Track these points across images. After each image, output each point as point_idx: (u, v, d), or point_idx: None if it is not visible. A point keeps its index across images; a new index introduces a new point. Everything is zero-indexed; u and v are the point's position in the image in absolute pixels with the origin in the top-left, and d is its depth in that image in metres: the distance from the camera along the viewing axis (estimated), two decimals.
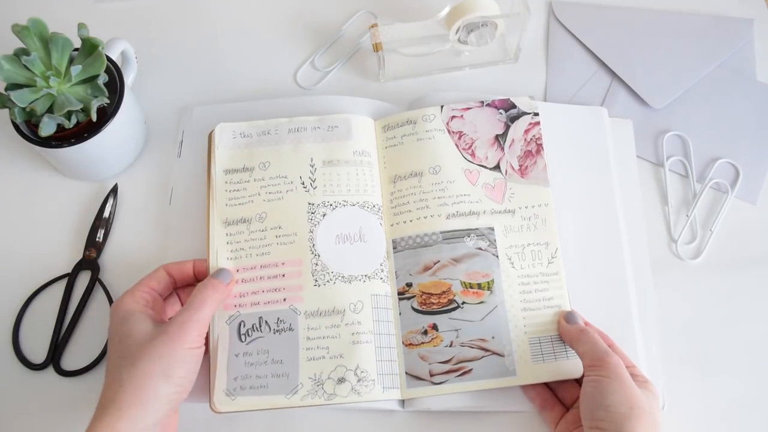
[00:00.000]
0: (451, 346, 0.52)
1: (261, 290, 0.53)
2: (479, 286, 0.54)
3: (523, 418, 0.53)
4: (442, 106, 0.60)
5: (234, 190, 0.56)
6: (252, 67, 0.67)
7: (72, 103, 0.53)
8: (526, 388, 0.52)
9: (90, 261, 0.58)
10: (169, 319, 0.49)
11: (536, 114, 0.59)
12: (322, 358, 0.51)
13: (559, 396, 0.52)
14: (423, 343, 0.53)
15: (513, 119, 0.59)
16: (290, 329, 0.52)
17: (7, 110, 0.53)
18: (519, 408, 0.52)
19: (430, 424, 0.53)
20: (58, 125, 0.54)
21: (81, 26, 0.55)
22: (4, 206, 0.61)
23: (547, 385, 0.52)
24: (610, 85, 0.66)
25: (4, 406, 0.54)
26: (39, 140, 0.54)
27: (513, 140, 0.59)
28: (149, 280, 0.50)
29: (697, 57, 0.66)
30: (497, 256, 0.55)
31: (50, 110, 0.53)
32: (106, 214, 0.60)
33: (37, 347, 0.56)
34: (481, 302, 0.53)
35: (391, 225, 0.57)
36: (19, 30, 0.52)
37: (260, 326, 0.52)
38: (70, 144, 0.55)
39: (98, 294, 0.57)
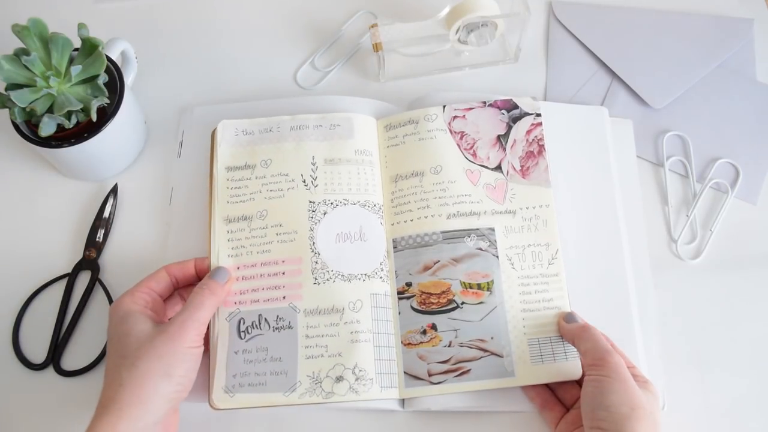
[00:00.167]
0: (450, 346, 0.52)
1: (261, 288, 0.53)
2: (479, 286, 0.54)
3: (523, 418, 0.53)
4: (444, 106, 0.60)
5: (236, 188, 0.56)
6: (252, 67, 0.67)
7: (72, 103, 0.53)
8: (526, 388, 0.52)
9: (90, 261, 0.58)
10: (169, 319, 0.49)
11: (538, 115, 0.59)
12: (321, 356, 0.51)
13: (559, 396, 0.52)
14: (422, 342, 0.53)
15: (515, 120, 0.59)
16: (289, 327, 0.52)
17: (7, 110, 0.53)
18: (519, 408, 0.52)
19: (429, 423, 0.53)
20: (58, 125, 0.54)
21: (81, 26, 0.55)
22: (4, 206, 0.61)
23: (547, 385, 0.52)
24: (610, 85, 0.66)
25: (4, 406, 0.54)
26: (39, 140, 0.54)
27: (515, 141, 0.59)
28: (149, 280, 0.51)
29: (697, 57, 0.67)
30: (497, 257, 0.55)
31: (50, 110, 0.53)
32: (106, 214, 0.60)
33: (37, 347, 0.56)
34: (481, 302, 0.53)
35: (392, 224, 0.57)
36: (19, 30, 0.52)
37: (260, 324, 0.52)
38: (70, 144, 0.55)
39: (98, 294, 0.57)
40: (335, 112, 0.59)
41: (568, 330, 0.51)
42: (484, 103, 0.60)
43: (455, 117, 0.59)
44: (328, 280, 0.53)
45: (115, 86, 0.57)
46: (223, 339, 0.52)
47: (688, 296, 0.57)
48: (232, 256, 0.54)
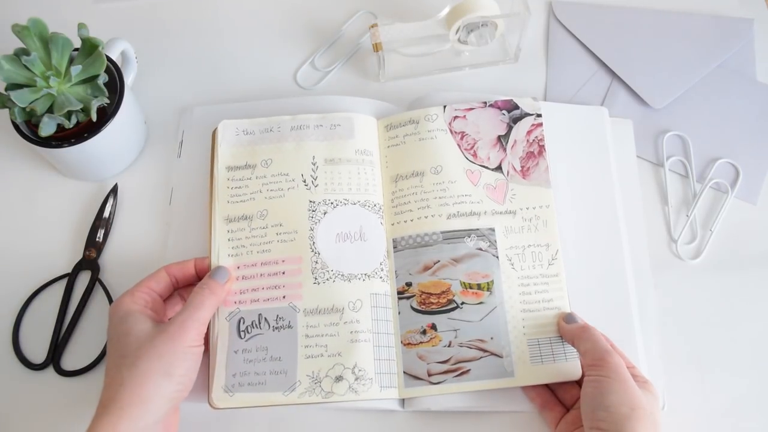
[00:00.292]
0: (449, 346, 0.52)
1: (261, 287, 0.53)
2: (479, 286, 0.54)
3: (523, 418, 0.53)
4: (444, 106, 0.60)
5: (236, 187, 0.56)
6: (252, 67, 0.67)
7: (72, 103, 0.53)
8: (526, 388, 0.52)
9: (90, 261, 0.58)
10: (169, 319, 0.49)
11: (539, 115, 0.59)
12: (321, 356, 0.51)
13: (559, 396, 0.52)
14: (421, 342, 0.53)
15: (516, 120, 0.59)
16: (289, 327, 0.52)
17: (7, 110, 0.53)
18: (519, 408, 0.52)
19: (429, 423, 0.53)
20: (58, 125, 0.54)
21: (81, 26, 0.55)
22: (4, 206, 0.61)
23: (547, 385, 0.52)
24: (610, 85, 0.66)
25: (4, 406, 0.54)
26: (39, 140, 0.54)
27: (515, 141, 0.59)
28: (149, 280, 0.51)
29: (697, 57, 0.66)
30: (497, 257, 0.55)
31: (50, 110, 0.53)
32: (106, 214, 0.60)
33: (37, 347, 0.56)
34: (481, 303, 0.53)
35: (392, 224, 0.57)
36: (19, 30, 0.52)
37: (260, 323, 0.52)
38: (70, 144, 0.55)
39: (98, 294, 0.57)
40: (336, 112, 0.59)
41: (568, 330, 0.51)
42: (485, 103, 0.60)
43: (456, 117, 0.59)
44: (328, 279, 0.53)
45: (115, 86, 0.57)
46: (222, 338, 0.52)
47: (688, 296, 0.57)
48: (232, 255, 0.54)
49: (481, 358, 0.52)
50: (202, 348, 0.48)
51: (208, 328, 0.51)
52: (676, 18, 0.69)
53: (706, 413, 0.53)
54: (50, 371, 0.55)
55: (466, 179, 0.57)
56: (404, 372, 0.52)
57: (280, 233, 0.55)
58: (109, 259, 0.59)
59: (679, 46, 0.67)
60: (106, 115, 0.56)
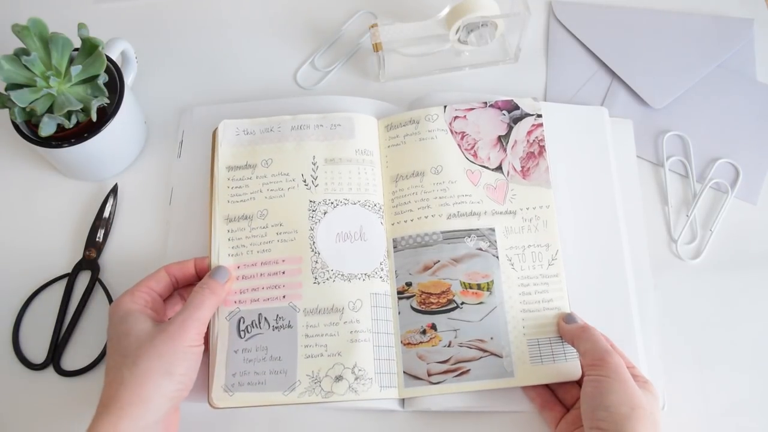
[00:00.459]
0: (449, 346, 0.52)
1: (261, 287, 0.53)
2: (479, 286, 0.54)
3: (523, 418, 0.53)
4: (445, 107, 0.60)
5: (236, 187, 0.57)
6: (252, 67, 0.67)
7: (72, 103, 0.53)
8: (526, 388, 0.52)
9: (90, 261, 0.58)
10: (169, 319, 0.49)
11: (539, 115, 0.59)
12: (321, 355, 0.51)
13: (559, 396, 0.52)
14: (421, 342, 0.53)
15: (516, 120, 0.59)
16: (289, 326, 0.52)
17: (7, 110, 0.53)
18: (519, 408, 0.52)
19: (430, 423, 0.53)
20: (58, 125, 0.54)
21: (81, 26, 0.55)
22: (4, 206, 0.61)
23: (547, 385, 0.52)
24: (610, 85, 0.66)
25: (4, 406, 0.54)
26: (39, 140, 0.54)
27: (516, 141, 0.59)
28: (149, 280, 0.51)
29: (697, 57, 0.67)
30: (497, 257, 0.55)
31: (50, 110, 0.53)
32: (106, 214, 0.60)
33: (37, 347, 0.56)
34: (481, 303, 0.53)
35: (392, 224, 0.57)
36: (19, 30, 0.52)
37: (259, 323, 0.52)
38: (70, 144, 0.55)
39: (98, 294, 0.57)
40: (336, 112, 0.59)
41: (568, 330, 0.51)
42: (485, 103, 0.60)
43: (456, 117, 0.59)
44: (328, 279, 0.53)
45: (115, 86, 0.57)
46: (222, 338, 0.52)
47: (688, 296, 0.57)
48: (232, 255, 0.54)
49: (481, 358, 0.52)
50: (202, 347, 0.48)
51: (208, 328, 0.51)
52: (676, 18, 0.69)
53: (706, 413, 0.53)
54: (50, 371, 0.55)
55: (466, 179, 0.57)
56: (404, 372, 0.52)
57: (280, 233, 0.55)
58: (109, 259, 0.59)
59: (679, 46, 0.67)
60: (106, 115, 0.56)
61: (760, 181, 0.62)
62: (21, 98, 0.52)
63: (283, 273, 0.54)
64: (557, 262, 0.55)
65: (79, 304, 0.57)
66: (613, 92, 0.65)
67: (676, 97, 0.65)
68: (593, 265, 0.56)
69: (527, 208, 0.56)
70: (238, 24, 0.70)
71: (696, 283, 0.58)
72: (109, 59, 0.57)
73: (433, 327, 0.53)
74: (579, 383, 0.51)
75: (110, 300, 0.57)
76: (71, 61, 0.55)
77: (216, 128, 0.59)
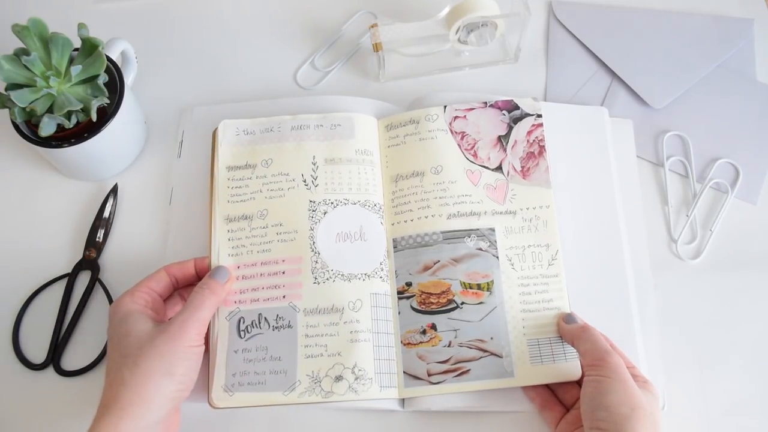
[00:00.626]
0: (449, 346, 0.52)
1: (261, 287, 0.53)
2: (479, 286, 0.54)
3: (523, 418, 0.53)
4: (445, 106, 0.60)
5: (236, 187, 0.57)
6: (252, 67, 0.67)
7: (72, 103, 0.53)
8: (526, 388, 0.52)
9: (90, 261, 0.58)
10: (169, 319, 0.49)
11: (539, 115, 0.59)
12: (321, 355, 0.51)
13: (559, 396, 0.52)
14: (421, 342, 0.53)
15: (516, 120, 0.59)
16: (289, 326, 0.52)
17: (7, 110, 0.53)
18: (519, 408, 0.52)
19: (430, 423, 0.53)
20: (58, 125, 0.54)
21: (81, 26, 0.55)
22: (4, 206, 0.61)
23: (547, 385, 0.52)
24: (610, 85, 0.66)
25: (4, 406, 0.54)
26: (39, 140, 0.54)
27: (516, 141, 0.59)
28: (149, 280, 0.51)
29: (697, 57, 0.67)
30: (497, 257, 0.55)
31: (50, 110, 0.53)
32: (106, 214, 0.60)
33: (37, 347, 0.56)
34: (481, 303, 0.53)
35: (392, 224, 0.57)
36: (19, 30, 0.52)
37: (259, 323, 0.52)
38: (70, 144, 0.55)
39: (98, 294, 0.57)
40: (336, 112, 0.59)
41: (568, 331, 0.51)
42: (485, 103, 0.60)
43: (456, 117, 0.59)
44: (327, 279, 0.53)
45: (115, 86, 0.57)
46: (222, 338, 0.52)
47: (688, 296, 0.57)
48: (232, 255, 0.54)
49: (481, 358, 0.52)
50: (203, 348, 0.48)
51: (208, 328, 0.51)
52: (676, 18, 0.69)
53: (706, 413, 0.53)
54: (50, 371, 0.55)
55: (466, 179, 0.57)
56: (404, 372, 0.52)
57: (280, 233, 0.55)
58: (109, 259, 0.59)
59: (679, 46, 0.67)
60: (106, 115, 0.56)
61: (760, 181, 0.62)
62: (21, 98, 0.52)
63: (283, 273, 0.54)
64: (557, 262, 0.55)
65: (79, 304, 0.57)
66: (613, 92, 0.65)
67: (676, 97, 0.65)
68: (593, 265, 0.56)
69: (527, 208, 0.56)
70: (238, 24, 0.70)
71: (696, 283, 0.58)
72: (109, 59, 0.57)
73: (433, 327, 0.53)
74: (579, 383, 0.51)
75: (110, 300, 0.57)
76: (71, 61, 0.55)
77: (216, 128, 0.59)
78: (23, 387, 0.54)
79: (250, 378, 0.50)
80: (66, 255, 0.59)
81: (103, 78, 0.55)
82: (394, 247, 0.56)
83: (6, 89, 0.53)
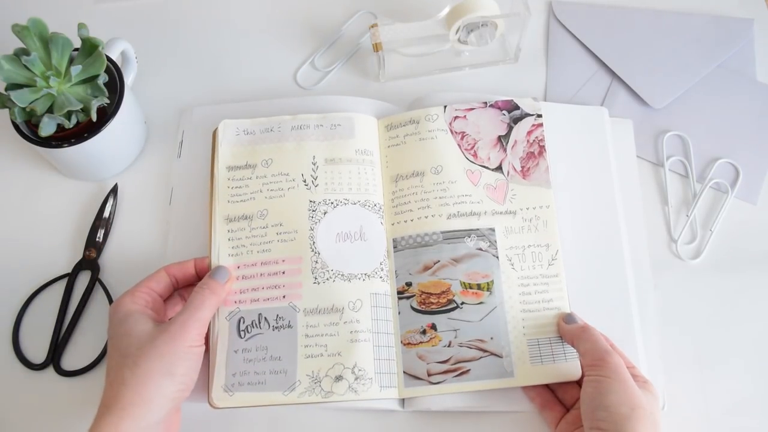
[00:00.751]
0: (449, 346, 0.52)
1: (261, 287, 0.53)
2: (479, 286, 0.54)
3: (523, 418, 0.53)
4: (445, 107, 0.60)
5: (236, 187, 0.57)
6: (252, 67, 0.67)
7: (72, 103, 0.53)
8: (526, 388, 0.52)
9: (90, 261, 0.58)
10: (170, 319, 0.49)
11: (539, 115, 0.59)
12: (321, 355, 0.51)
13: (559, 396, 0.52)
14: (421, 342, 0.53)
15: (516, 120, 0.59)
16: (289, 326, 0.52)
17: (7, 110, 0.53)
18: (519, 408, 0.52)
19: (430, 423, 0.53)
20: (58, 125, 0.54)
21: (81, 26, 0.55)
22: (4, 206, 0.61)
23: (547, 385, 0.52)
24: (610, 85, 0.66)
25: (4, 406, 0.54)
26: (39, 140, 0.54)
27: (516, 141, 0.59)
28: (149, 281, 0.51)
29: (697, 57, 0.67)
30: (497, 257, 0.55)
31: (50, 110, 0.53)
32: (106, 214, 0.60)
33: (37, 347, 0.56)
34: (481, 303, 0.53)
35: (392, 224, 0.57)
36: (19, 30, 0.52)
37: (259, 323, 0.52)
38: (70, 144, 0.55)
39: (98, 294, 0.57)
40: (336, 112, 0.59)
41: (568, 331, 0.51)
42: (485, 103, 0.60)
43: (456, 117, 0.59)
44: (327, 279, 0.53)
45: (115, 86, 0.57)
46: (222, 338, 0.52)
47: (688, 296, 0.57)
48: (232, 255, 0.54)
49: (481, 358, 0.52)
50: (203, 348, 0.48)
51: (208, 328, 0.51)
52: (676, 18, 0.69)
53: (706, 413, 0.53)
54: (50, 371, 0.55)
55: (466, 179, 0.57)
56: (404, 372, 0.52)
57: (280, 233, 0.55)
58: (109, 259, 0.59)
59: (679, 46, 0.67)
60: (106, 115, 0.56)
61: (760, 181, 0.62)
62: (21, 98, 0.52)
63: (283, 273, 0.54)
64: (557, 262, 0.55)
65: (79, 304, 0.57)
66: (613, 92, 0.65)
67: (676, 97, 0.65)
68: (593, 265, 0.56)
69: (527, 208, 0.56)
70: (238, 24, 0.70)
71: (696, 283, 0.58)
72: (109, 59, 0.57)
73: (433, 327, 0.53)
74: (579, 383, 0.51)
75: (110, 300, 0.57)
76: (71, 61, 0.55)
77: (216, 128, 0.59)
78: (23, 387, 0.54)
79: (250, 378, 0.50)
80: (66, 255, 0.59)
81: (103, 78, 0.55)
82: (394, 247, 0.56)
83: (6, 89, 0.53)
